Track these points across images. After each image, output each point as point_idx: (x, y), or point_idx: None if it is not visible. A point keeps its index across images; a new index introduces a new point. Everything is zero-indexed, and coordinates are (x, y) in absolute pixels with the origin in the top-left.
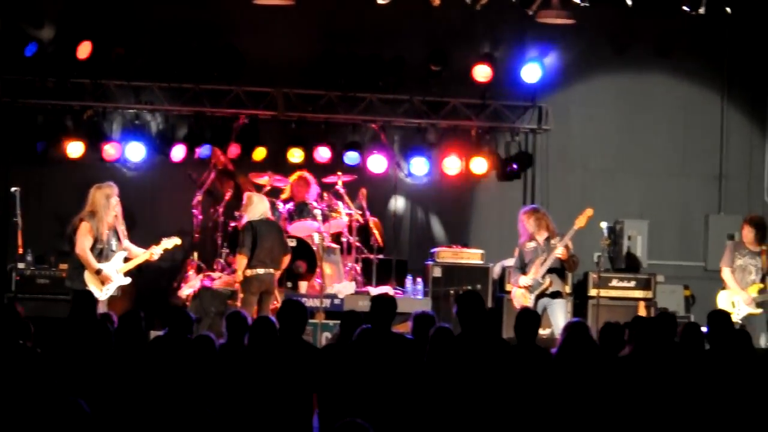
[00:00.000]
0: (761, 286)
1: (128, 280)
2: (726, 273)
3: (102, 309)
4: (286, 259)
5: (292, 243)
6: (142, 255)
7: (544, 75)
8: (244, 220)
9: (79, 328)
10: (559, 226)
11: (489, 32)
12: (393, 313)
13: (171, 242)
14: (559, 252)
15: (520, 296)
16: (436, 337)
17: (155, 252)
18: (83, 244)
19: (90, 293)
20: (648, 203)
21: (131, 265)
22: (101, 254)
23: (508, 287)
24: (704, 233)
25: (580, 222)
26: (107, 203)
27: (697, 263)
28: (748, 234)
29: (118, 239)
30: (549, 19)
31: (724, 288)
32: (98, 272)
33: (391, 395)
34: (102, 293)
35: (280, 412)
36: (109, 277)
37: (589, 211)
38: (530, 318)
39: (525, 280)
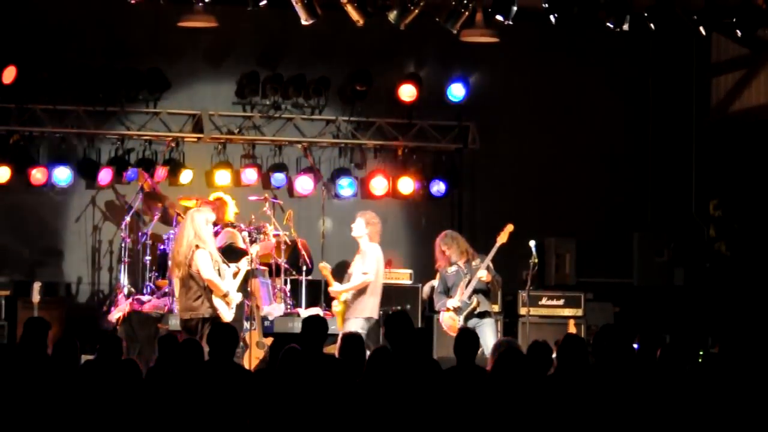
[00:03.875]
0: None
1: (240, 296)
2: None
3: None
4: None
5: None
6: (239, 273)
7: (469, 94)
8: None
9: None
10: (487, 245)
11: (413, 52)
12: (325, 335)
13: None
14: (483, 274)
15: (448, 319)
16: (374, 358)
17: (242, 266)
18: (211, 270)
19: (42, 321)
20: (576, 221)
21: (238, 281)
22: (218, 275)
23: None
24: (632, 250)
25: (502, 238)
26: (209, 227)
27: (626, 280)
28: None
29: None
30: (473, 38)
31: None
32: (225, 295)
33: (323, 416)
34: (229, 314)
35: None
36: (233, 299)
37: (509, 227)
38: (470, 338)
39: (453, 302)
